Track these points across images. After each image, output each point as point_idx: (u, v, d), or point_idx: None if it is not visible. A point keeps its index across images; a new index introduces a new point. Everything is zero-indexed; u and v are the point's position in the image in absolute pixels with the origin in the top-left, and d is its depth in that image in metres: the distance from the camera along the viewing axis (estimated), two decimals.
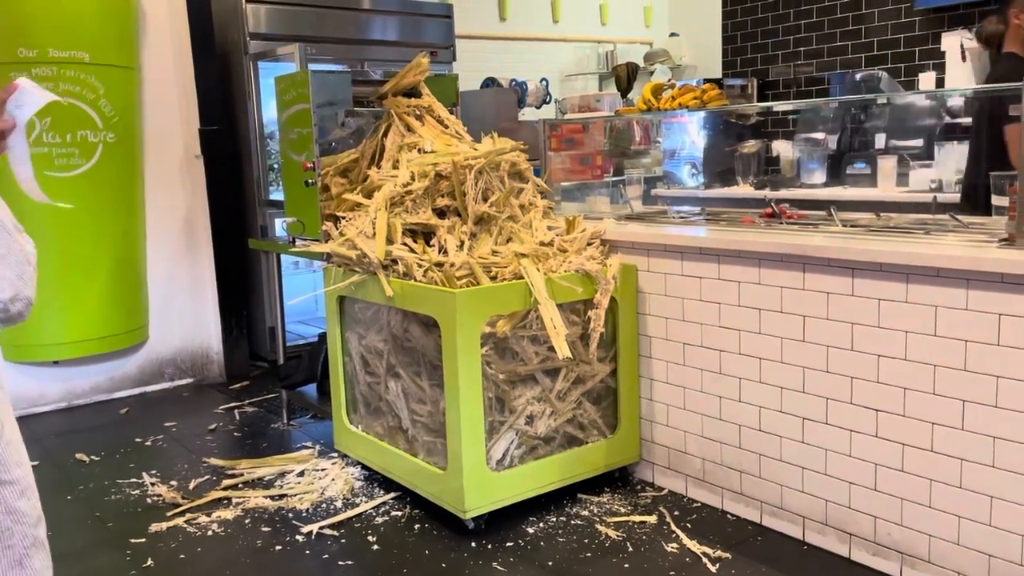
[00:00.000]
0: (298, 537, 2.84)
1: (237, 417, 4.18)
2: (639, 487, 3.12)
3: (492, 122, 5.03)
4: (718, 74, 6.47)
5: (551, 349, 2.81)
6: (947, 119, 4.64)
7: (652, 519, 2.86)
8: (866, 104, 5.03)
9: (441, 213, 3.07)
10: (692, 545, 2.66)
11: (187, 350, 4.84)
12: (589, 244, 3.07)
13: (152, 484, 3.32)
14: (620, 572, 2.53)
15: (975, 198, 3.43)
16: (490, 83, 5.93)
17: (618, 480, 3.16)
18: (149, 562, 2.71)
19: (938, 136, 4.56)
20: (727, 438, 2.86)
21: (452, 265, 2.78)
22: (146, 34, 4.57)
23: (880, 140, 4.87)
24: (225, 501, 3.14)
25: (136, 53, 4.46)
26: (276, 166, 4.75)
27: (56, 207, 4.11)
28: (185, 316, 4.81)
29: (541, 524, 2.85)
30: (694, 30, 6.80)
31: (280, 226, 4.47)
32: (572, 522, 2.86)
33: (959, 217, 2.73)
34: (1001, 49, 3.48)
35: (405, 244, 2.98)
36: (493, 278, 2.80)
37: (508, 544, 2.73)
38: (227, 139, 4.84)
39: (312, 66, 3.96)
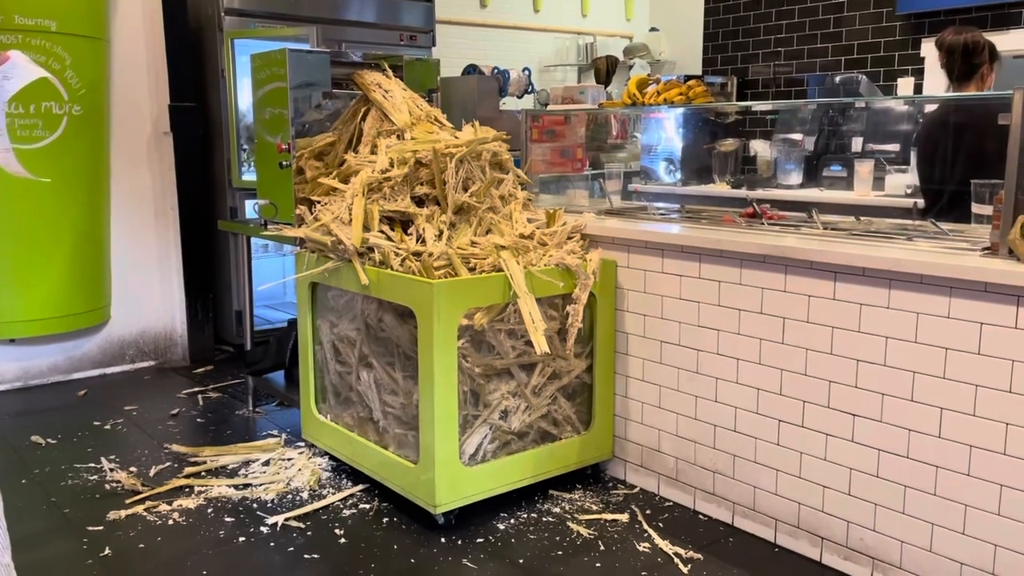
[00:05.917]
0: (263, 528, 2.76)
1: (200, 402, 4.08)
2: (611, 484, 3.10)
3: (472, 110, 4.94)
4: (698, 71, 6.46)
5: (528, 343, 2.76)
6: None
7: (624, 517, 2.83)
8: (844, 107, 5.04)
9: (419, 201, 3.01)
10: (664, 545, 2.64)
11: (150, 332, 4.71)
12: (569, 238, 3.03)
13: (111, 470, 3.22)
14: (592, 571, 2.50)
15: (941, 204, 3.46)
16: (472, 70, 5.83)
17: (590, 477, 3.13)
18: (107, 551, 2.63)
19: (915, 142, 4.58)
20: (701, 438, 2.85)
21: (430, 255, 2.72)
22: (116, 5, 4.42)
23: (857, 144, 4.88)
24: (187, 489, 3.05)
25: (105, 23, 4.31)
26: (248, 146, 4.64)
27: (25, 180, 3.97)
28: (149, 297, 4.69)
29: (512, 520, 2.81)
30: (674, 26, 6.78)
31: (251, 208, 4.36)
32: (543, 519, 2.82)
33: (939, 224, 2.73)
34: (968, 58, 3.44)
35: (382, 232, 2.91)
36: (472, 269, 2.74)
37: (478, 540, 2.69)
38: (198, 117, 4.71)
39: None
